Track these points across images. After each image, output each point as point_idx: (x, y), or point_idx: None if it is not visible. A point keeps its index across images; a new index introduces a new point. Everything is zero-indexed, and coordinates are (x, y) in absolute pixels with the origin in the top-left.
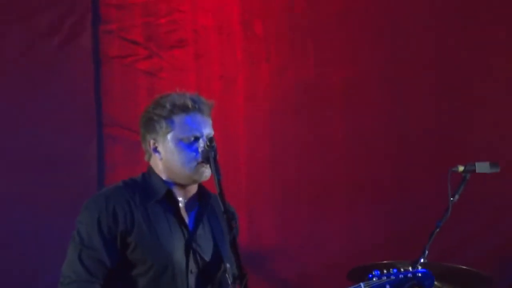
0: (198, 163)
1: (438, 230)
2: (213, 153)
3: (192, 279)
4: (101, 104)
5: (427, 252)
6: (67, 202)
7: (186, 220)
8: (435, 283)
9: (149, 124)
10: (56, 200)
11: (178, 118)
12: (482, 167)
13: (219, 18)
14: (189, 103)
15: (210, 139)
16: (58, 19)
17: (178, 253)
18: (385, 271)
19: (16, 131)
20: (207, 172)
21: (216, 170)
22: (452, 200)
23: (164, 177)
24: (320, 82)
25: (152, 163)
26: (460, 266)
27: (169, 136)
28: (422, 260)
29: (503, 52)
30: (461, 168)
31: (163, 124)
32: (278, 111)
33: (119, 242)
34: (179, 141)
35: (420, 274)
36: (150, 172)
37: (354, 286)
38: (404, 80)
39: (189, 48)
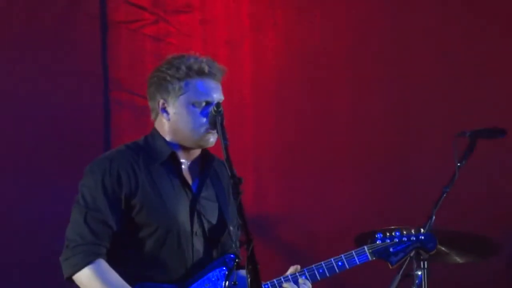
0: (205, 129)
1: (445, 195)
2: (220, 118)
3: (196, 241)
4: (108, 69)
5: (434, 217)
6: (74, 166)
7: (190, 182)
8: (442, 248)
9: (160, 84)
10: (63, 164)
11: (193, 82)
12: (488, 132)
13: None
14: (205, 68)
15: (217, 104)
16: None
17: (183, 215)
18: (388, 234)
19: (22, 97)
20: (212, 138)
21: (223, 136)
22: (458, 166)
23: (168, 139)
24: (325, 50)
25: (157, 123)
26: (467, 231)
27: (181, 98)
28: (428, 226)
29: None
30: (467, 134)
31: (177, 85)
32: (284, 77)
33: (124, 204)
34: (190, 105)
35: (422, 237)
36: (153, 134)
37: (357, 250)
38: (410, 47)
39: (196, 13)
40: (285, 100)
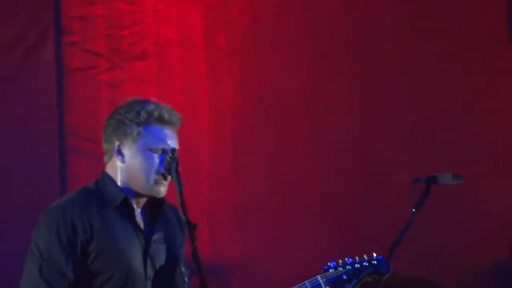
0: (158, 177)
1: (400, 241)
2: (175, 164)
3: (151, 286)
4: (64, 115)
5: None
6: (28, 217)
7: (142, 226)
8: None
9: (118, 126)
10: (17, 214)
11: (151, 128)
12: (444, 178)
13: (182, 31)
14: (165, 116)
15: (172, 151)
16: (20, 31)
17: (137, 261)
18: (340, 262)
19: None
20: (164, 189)
21: (178, 181)
22: (414, 211)
23: (120, 183)
24: (283, 91)
25: (109, 166)
26: (421, 277)
27: (138, 142)
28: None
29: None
30: (423, 179)
31: (135, 130)
32: (241, 124)
33: (79, 252)
34: (147, 150)
35: (375, 262)
36: (104, 179)
37: (310, 279)
38: (370, 83)
39: (152, 60)
40: (242, 148)
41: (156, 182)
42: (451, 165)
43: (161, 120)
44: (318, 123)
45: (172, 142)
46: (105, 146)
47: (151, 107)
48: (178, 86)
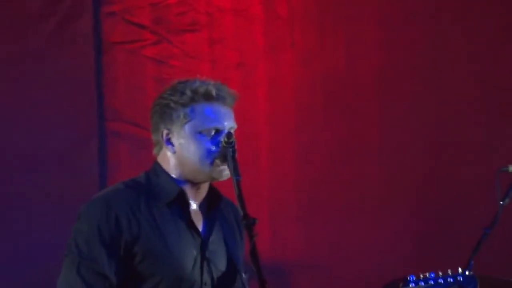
0: (216, 160)
1: (485, 238)
2: (231, 150)
3: None
4: (103, 96)
5: (472, 263)
6: (65, 208)
7: (197, 225)
8: None
9: (164, 112)
10: (53, 205)
11: (199, 107)
12: None
13: None
14: (213, 91)
15: (228, 135)
16: (52, 0)
17: (190, 264)
18: (421, 276)
19: (8, 128)
20: (227, 171)
21: (235, 170)
22: (501, 204)
23: (175, 175)
24: (351, 72)
25: (160, 158)
26: (509, 279)
27: (186, 127)
28: (467, 273)
29: None
30: (511, 168)
31: (181, 112)
32: (304, 105)
33: (123, 253)
34: (197, 133)
35: (461, 278)
36: (156, 170)
37: None
38: (444, 69)
39: (203, 33)
40: (306, 130)
41: (215, 166)
42: None
43: (208, 96)
44: (388, 110)
45: (227, 121)
46: (153, 137)
47: (195, 84)
48: (232, 62)
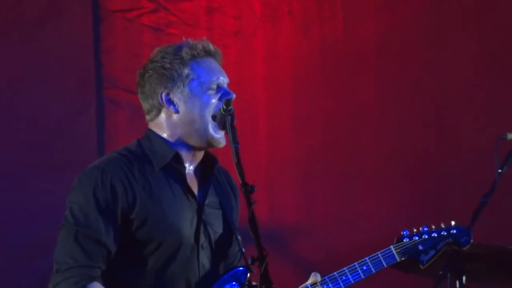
0: (216, 122)
1: (484, 206)
2: (230, 118)
3: (203, 255)
4: (101, 64)
5: (471, 230)
6: (63, 176)
7: (193, 188)
8: (481, 266)
9: (161, 74)
10: (51, 173)
11: (202, 62)
12: None
13: None
14: (208, 46)
15: (227, 102)
16: None
17: (188, 227)
18: (415, 231)
19: (7, 96)
20: (223, 140)
21: (233, 138)
22: (500, 172)
23: (171, 138)
24: (349, 40)
25: (155, 124)
26: (510, 247)
27: (191, 83)
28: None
29: None
30: (510, 136)
31: (183, 70)
32: (302, 73)
33: (120, 220)
34: (205, 89)
35: (454, 231)
36: (150, 137)
37: (383, 250)
38: (445, 36)
39: (201, 0)
40: (303, 98)
41: (214, 128)
42: None
43: (206, 51)
44: (389, 78)
45: (224, 76)
46: (145, 105)
47: (189, 43)
48: (230, 30)
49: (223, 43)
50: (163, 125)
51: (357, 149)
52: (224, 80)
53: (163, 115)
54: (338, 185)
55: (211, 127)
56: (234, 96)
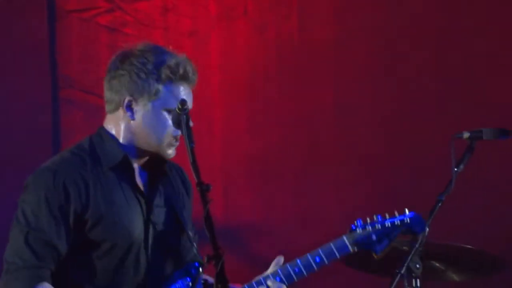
0: (172, 137)
1: (440, 205)
2: (185, 117)
3: (154, 254)
4: (57, 64)
5: (427, 229)
6: (17, 176)
7: (143, 188)
8: (437, 265)
9: (132, 80)
10: (5, 173)
11: (174, 88)
12: (490, 133)
13: None
14: (190, 73)
15: (182, 102)
16: None
17: (138, 228)
18: (368, 220)
19: None
20: (173, 152)
21: (189, 137)
22: (456, 171)
23: (122, 140)
24: (305, 41)
25: (110, 119)
26: (467, 246)
27: (154, 102)
28: (420, 240)
29: None
30: (466, 135)
31: (153, 87)
32: (258, 74)
33: (73, 222)
34: (164, 111)
35: (408, 220)
36: (101, 135)
37: (335, 240)
38: (404, 39)
39: (156, 0)
40: (259, 98)
41: (168, 144)
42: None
43: (184, 78)
44: (344, 74)
45: (190, 101)
46: (108, 95)
47: (172, 61)
48: (185, 30)
49: (178, 43)
50: (118, 124)
51: (314, 149)
52: (188, 107)
53: (120, 114)
54: (295, 184)
55: (162, 143)
56: (191, 124)
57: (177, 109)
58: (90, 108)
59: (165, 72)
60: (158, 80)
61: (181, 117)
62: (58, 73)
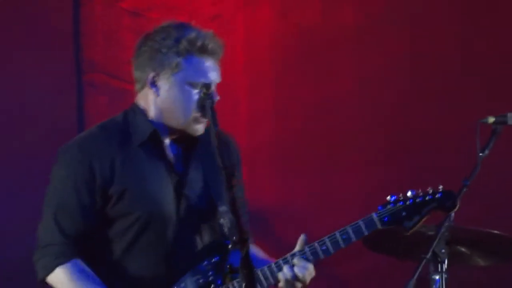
0: (198, 113)
1: (465, 190)
2: (210, 101)
3: (184, 229)
4: (81, 48)
5: (453, 215)
6: (45, 157)
7: (174, 162)
8: (463, 249)
9: (154, 55)
10: (30, 158)
11: (194, 59)
12: None
13: None
14: (209, 45)
15: (207, 86)
16: None
17: (168, 201)
18: (401, 196)
19: None
20: (201, 128)
21: (214, 120)
22: (481, 156)
23: (152, 116)
24: (328, 24)
25: (141, 96)
26: (493, 231)
27: (177, 75)
28: (447, 224)
29: None
30: (491, 120)
31: (174, 60)
32: (282, 57)
33: (99, 196)
34: (186, 84)
35: (440, 195)
36: (135, 110)
37: (364, 218)
38: (424, 22)
39: None
40: (284, 83)
41: (195, 120)
42: None
43: (204, 50)
44: (368, 59)
45: (214, 75)
46: (136, 74)
47: (192, 34)
48: (210, 14)
49: (202, 27)
50: (146, 101)
51: (337, 132)
52: (213, 79)
53: (147, 91)
54: (319, 167)
55: (188, 118)
56: (216, 98)
57: (202, 93)
58: (114, 92)
59: (184, 44)
60: (178, 53)
61: (206, 101)
62: (82, 57)
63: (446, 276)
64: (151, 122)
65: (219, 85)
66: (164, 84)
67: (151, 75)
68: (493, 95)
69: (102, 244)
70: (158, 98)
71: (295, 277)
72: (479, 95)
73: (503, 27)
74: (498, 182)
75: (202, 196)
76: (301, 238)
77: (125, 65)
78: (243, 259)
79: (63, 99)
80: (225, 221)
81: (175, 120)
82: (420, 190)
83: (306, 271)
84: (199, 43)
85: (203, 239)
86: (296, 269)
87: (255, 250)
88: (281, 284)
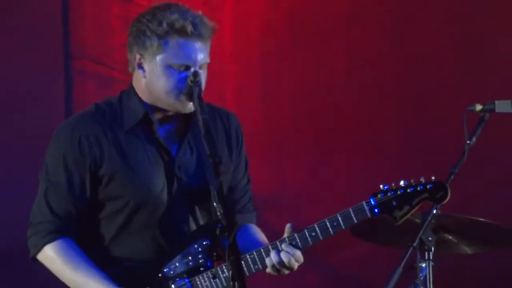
0: (180, 94)
1: (452, 177)
2: (197, 89)
3: (176, 212)
4: (69, 34)
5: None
6: (33, 142)
7: (168, 145)
8: (450, 237)
9: (138, 37)
10: (18, 144)
11: (172, 41)
12: (503, 106)
13: None
14: (189, 28)
15: (194, 74)
16: None
17: (159, 185)
18: (393, 185)
19: None
20: (190, 105)
21: (201, 108)
22: (468, 144)
23: (144, 98)
24: (320, 9)
25: (134, 78)
26: (479, 219)
27: (158, 58)
28: (434, 212)
29: None
30: (478, 107)
31: (155, 42)
32: (272, 43)
33: (90, 177)
34: (168, 66)
35: (431, 186)
36: (129, 92)
37: (355, 206)
38: (414, 10)
39: None
40: (273, 70)
41: (180, 99)
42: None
43: (182, 32)
44: (358, 45)
45: (199, 56)
46: (128, 55)
47: (174, 16)
48: (199, 0)
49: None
50: (137, 84)
51: (326, 121)
52: (198, 60)
53: (137, 73)
54: (308, 157)
55: (172, 99)
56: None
57: (189, 81)
58: (102, 79)
59: (163, 26)
60: (160, 36)
61: (193, 89)
62: (71, 43)
63: (433, 264)
64: (144, 104)
65: (207, 73)
66: (148, 66)
67: (137, 56)
68: (483, 82)
69: (94, 226)
70: (145, 80)
71: (282, 263)
72: (468, 83)
73: (492, 14)
74: (485, 170)
75: (195, 177)
76: (288, 226)
77: (113, 52)
78: (230, 246)
79: (51, 85)
80: (219, 203)
81: (162, 101)
82: (412, 180)
83: (293, 257)
84: (178, 25)
85: (197, 221)
86: (282, 255)
87: (254, 231)
88: (268, 269)
